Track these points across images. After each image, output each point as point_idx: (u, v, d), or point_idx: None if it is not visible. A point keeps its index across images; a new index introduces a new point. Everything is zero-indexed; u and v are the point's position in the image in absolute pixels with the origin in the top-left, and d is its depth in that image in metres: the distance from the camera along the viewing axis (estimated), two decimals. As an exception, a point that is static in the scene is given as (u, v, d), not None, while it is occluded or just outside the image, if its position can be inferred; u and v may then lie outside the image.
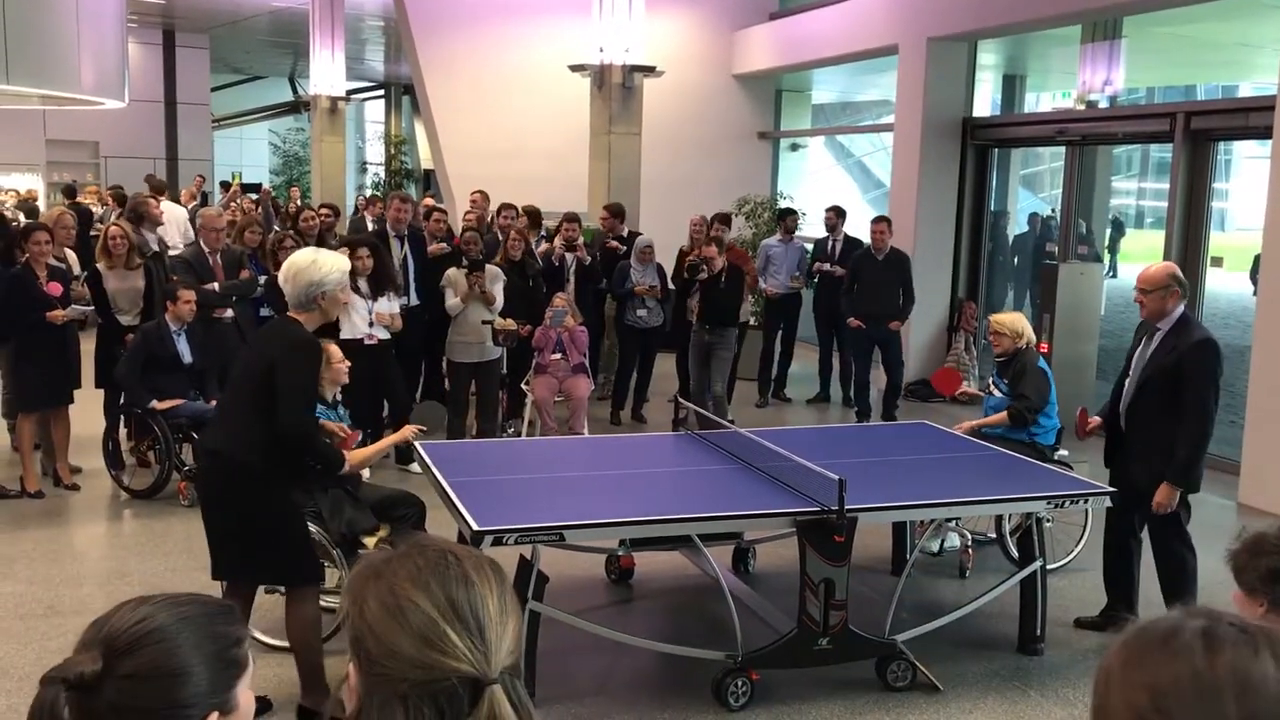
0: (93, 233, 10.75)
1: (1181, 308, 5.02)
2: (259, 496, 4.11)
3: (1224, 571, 2.60)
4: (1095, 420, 5.45)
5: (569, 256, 9.22)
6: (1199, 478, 5.09)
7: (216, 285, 7.51)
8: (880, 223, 9.32)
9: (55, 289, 6.84)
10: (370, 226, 10.44)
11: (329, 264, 4.14)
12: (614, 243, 9.60)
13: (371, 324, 7.24)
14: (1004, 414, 6.04)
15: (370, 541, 4.86)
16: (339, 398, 5.21)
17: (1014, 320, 6.30)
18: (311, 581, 4.29)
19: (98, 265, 7.49)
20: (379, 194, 17.41)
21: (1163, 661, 0.99)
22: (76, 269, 7.75)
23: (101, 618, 1.34)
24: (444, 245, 8.72)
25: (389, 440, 5.46)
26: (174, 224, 11.99)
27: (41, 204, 15.94)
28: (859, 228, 10.59)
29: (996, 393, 6.24)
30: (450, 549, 1.29)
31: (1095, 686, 1.04)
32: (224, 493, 4.17)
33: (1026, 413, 5.99)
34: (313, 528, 4.50)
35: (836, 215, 10.17)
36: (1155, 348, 5.03)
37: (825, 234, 10.26)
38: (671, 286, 9.28)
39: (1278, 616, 2.50)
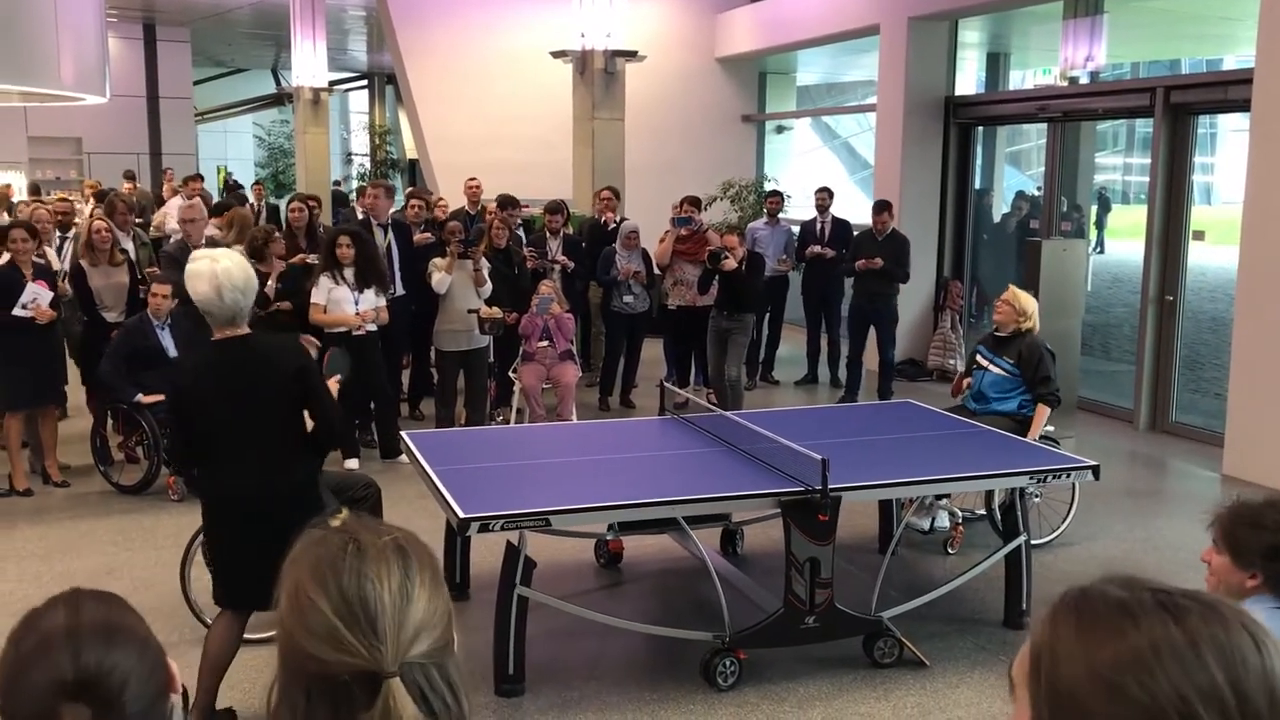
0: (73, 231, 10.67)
1: None
2: (312, 510, 3.87)
3: (1209, 542, 2.61)
4: None
5: (556, 249, 9.18)
6: None
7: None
8: (880, 212, 9.36)
9: (42, 285, 6.82)
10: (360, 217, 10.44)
11: (244, 277, 3.82)
12: (609, 215, 9.60)
13: (358, 313, 7.23)
14: (1042, 409, 6.05)
15: (335, 524, 4.86)
16: None
17: (1028, 300, 6.30)
18: None
19: (81, 262, 7.48)
20: (364, 184, 17.36)
21: (1130, 631, 0.99)
22: (56, 266, 7.74)
23: (56, 656, 1.24)
24: (429, 235, 8.71)
25: None
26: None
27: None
28: (844, 209, 10.61)
29: (994, 369, 6.23)
30: (356, 536, 1.24)
31: (1037, 661, 1.02)
32: (287, 522, 3.93)
33: (1056, 395, 6.15)
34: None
35: (828, 196, 10.19)
36: None
37: (814, 215, 10.27)
38: (657, 271, 9.29)
39: (1269, 591, 2.51)
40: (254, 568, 3.95)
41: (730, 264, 8.09)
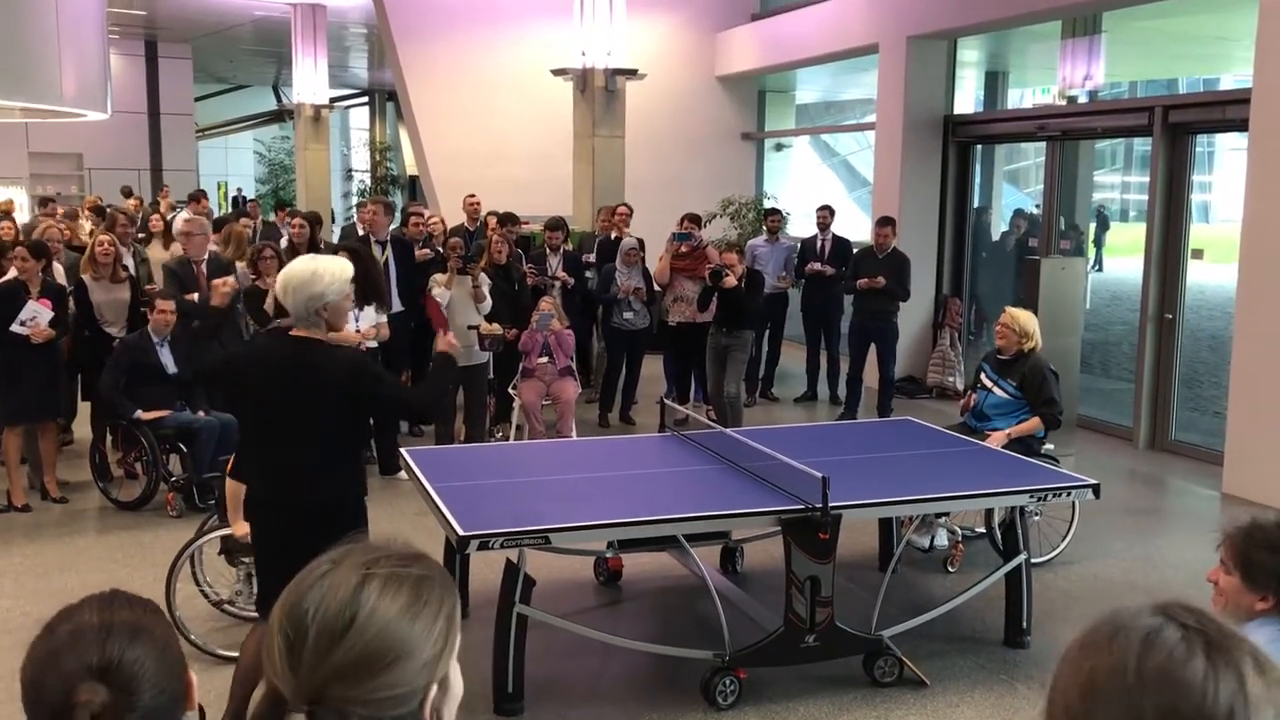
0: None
1: None
2: (356, 523, 3.84)
3: (1211, 561, 2.61)
4: None
5: (556, 266, 9.20)
6: None
7: (196, 295, 7.48)
8: (883, 226, 9.39)
9: (45, 305, 6.82)
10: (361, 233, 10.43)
11: (330, 273, 3.81)
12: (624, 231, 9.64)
13: (358, 330, 7.24)
14: (1036, 420, 6.05)
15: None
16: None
17: (1027, 320, 6.25)
18: None
19: (83, 277, 7.49)
20: (364, 200, 17.39)
21: (1103, 653, 1.02)
22: (61, 279, 7.75)
23: (85, 645, 1.32)
24: (428, 251, 8.73)
25: None
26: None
27: (25, 216, 15.86)
28: (843, 226, 10.63)
29: (999, 391, 6.21)
30: (341, 559, 1.19)
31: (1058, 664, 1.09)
32: (329, 534, 3.95)
33: (1059, 417, 6.11)
34: None
35: (829, 214, 10.23)
36: None
37: (815, 232, 10.31)
38: (657, 288, 9.31)
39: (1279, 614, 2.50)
40: (283, 579, 4.05)
41: (730, 281, 8.11)
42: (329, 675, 1.10)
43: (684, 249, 9.08)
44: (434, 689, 1.16)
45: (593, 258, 9.64)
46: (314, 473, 3.83)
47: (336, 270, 3.84)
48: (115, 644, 1.32)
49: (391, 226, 8.96)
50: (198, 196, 13.55)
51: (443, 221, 9.90)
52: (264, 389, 3.86)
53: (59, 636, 1.34)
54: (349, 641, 1.11)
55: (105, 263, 7.45)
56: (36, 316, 6.72)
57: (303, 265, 3.85)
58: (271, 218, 15.94)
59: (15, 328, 6.67)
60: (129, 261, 8.30)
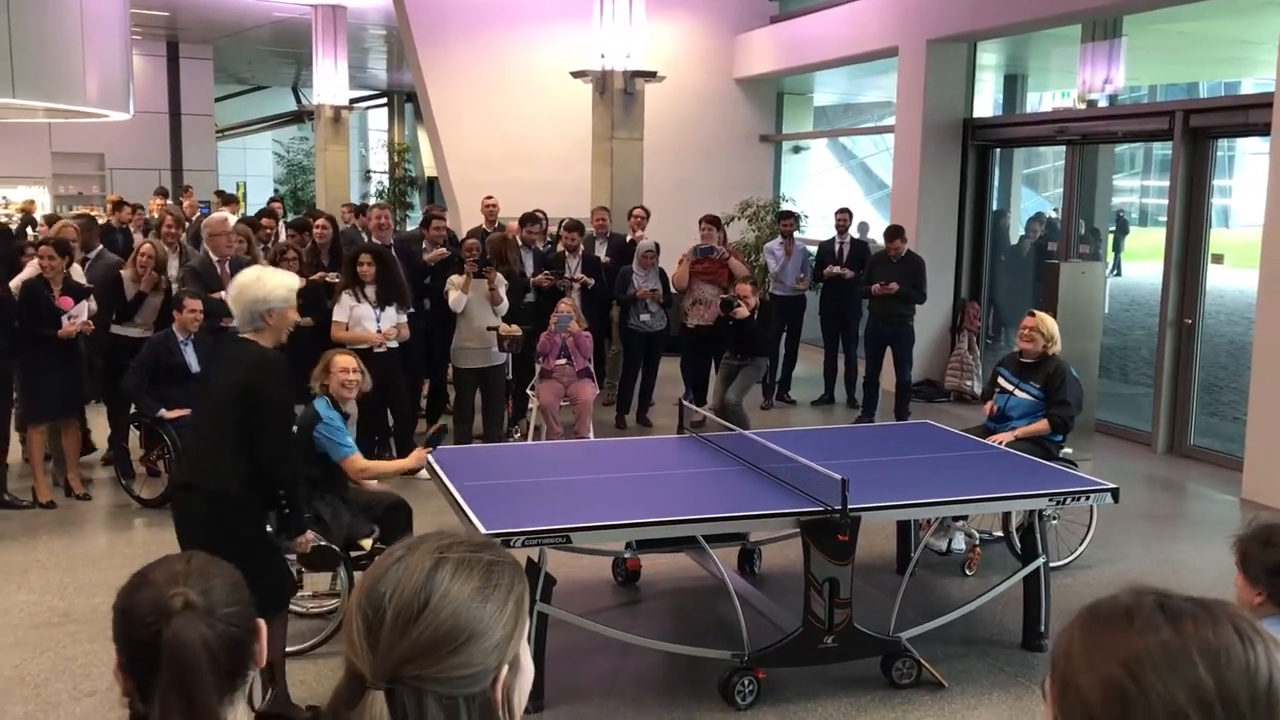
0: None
1: None
2: (235, 526, 3.94)
3: (1229, 565, 2.64)
4: None
5: (575, 268, 9.23)
6: None
7: (223, 294, 7.54)
8: (893, 239, 9.39)
9: (66, 303, 6.91)
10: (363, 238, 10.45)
11: (274, 281, 4.06)
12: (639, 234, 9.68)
13: (379, 331, 7.30)
14: (1044, 422, 6.05)
15: (367, 544, 4.93)
16: (350, 411, 5.27)
17: (1052, 323, 6.29)
18: (285, 606, 4.29)
19: (122, 272, 7.56)
20: (369, 203, 17.39)
21: (1131, 634, 1.03)
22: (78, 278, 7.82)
23: (170, 569, 1.61)
24: (444, 250, 8.74)
25: (402, 464, 5.46)
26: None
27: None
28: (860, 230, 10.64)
29: (1020, 394, 6.22)
30: (416, 545, 1.23)
31: (1054, 667, 1.07)
32: (201, 527, 3.94)
33: (1069, 420, 6.08)
34: (314, 534, 4.54)
35: (848, 217, 10.23)
36: None
37: (833, 235, 10.32)
38: (674, 291, 9.32)
39: (1274, 607, 2.55)
40: None
41: (743, 312, 8.11)
42: (405, 654, 1.16)
43: (703, 261, 9.11)
44: (505, 669, 1.21)
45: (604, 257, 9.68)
46: (209, 459, 4.04)
47: (280, 279, 4.12)
48: (195, 572, 1.60)
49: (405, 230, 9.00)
50: (232, 199, 13.54)
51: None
52: (204, 380, 4.34)
53: (148, 570, 1.62)
54: (424, 622, 1.16)
55: (144, 271, 7.49)
56: (79, 315, 6.90)
57: (249, 272, 4.16)
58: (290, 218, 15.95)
59: (65, 322, 6.81)
60: (173, 263, 8.28)
